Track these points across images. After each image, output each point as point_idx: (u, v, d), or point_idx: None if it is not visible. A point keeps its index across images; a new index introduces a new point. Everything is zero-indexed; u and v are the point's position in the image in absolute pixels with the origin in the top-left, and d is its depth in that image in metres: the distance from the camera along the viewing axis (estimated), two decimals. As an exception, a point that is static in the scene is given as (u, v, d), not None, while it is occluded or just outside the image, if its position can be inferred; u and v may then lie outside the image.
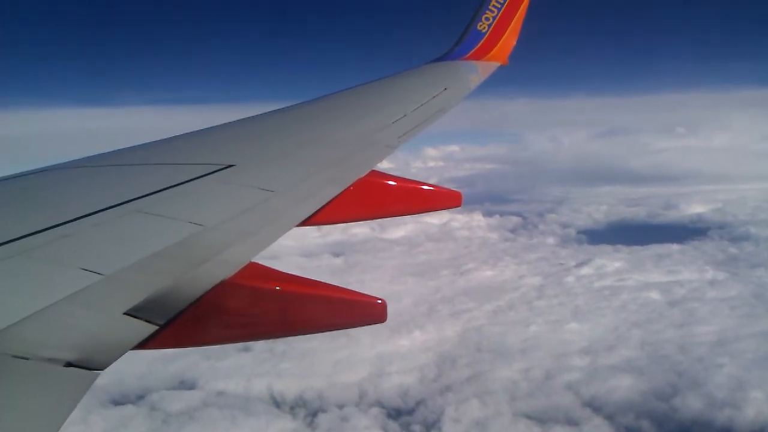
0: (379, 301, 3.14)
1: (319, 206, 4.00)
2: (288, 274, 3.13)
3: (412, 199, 4.97)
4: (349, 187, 4.43)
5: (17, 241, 2.79)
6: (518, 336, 46.59)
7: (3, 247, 2.73)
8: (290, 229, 3.62)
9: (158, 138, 5.35)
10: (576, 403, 37.72)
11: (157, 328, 2.39)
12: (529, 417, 35.71)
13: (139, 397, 39.60)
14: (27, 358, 2.01)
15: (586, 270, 61.45)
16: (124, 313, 2.39)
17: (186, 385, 41.39)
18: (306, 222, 3.86)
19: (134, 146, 5.05)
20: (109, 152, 4.82)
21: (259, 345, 45.05)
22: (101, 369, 2.09)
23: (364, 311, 3.17)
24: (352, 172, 4.66)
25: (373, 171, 4.80)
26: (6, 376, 1.93)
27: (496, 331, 47.80)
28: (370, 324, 3.17)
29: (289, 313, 3.08)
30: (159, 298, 2.52)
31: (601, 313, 50.97)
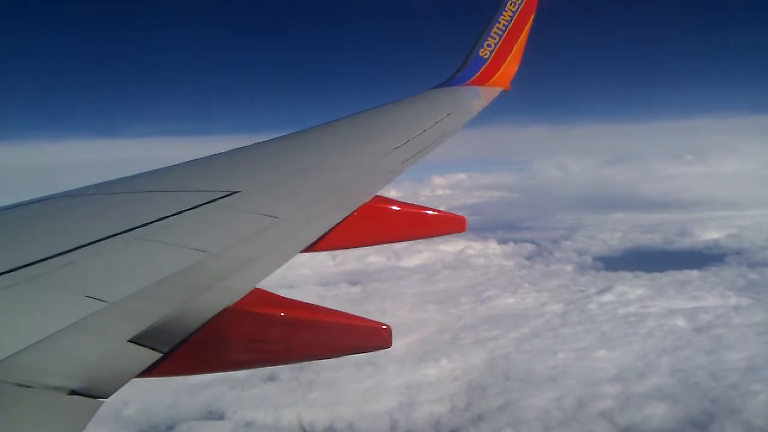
0: (384, 327, 3.15)
1: (324, 232, 3.98)
2: (292, 300, 3.11)
3: (417, 223, 4.97)
4: (354, 212, 4.43)
5: (23, 269, 2.78)
6: (546, 364, 46.16)
7: (8, 274, 2.71)
8: (295, 255, 3.59)
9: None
10: (611, 432, 37.27)
11: (161, 355, 2.37)
12: (565, 446, 35.24)
13: (169, 428, 39.32)
14: (30, 387, 1.99)
15: (608, 297, 61.13)
16: (129, 341, 2.37)
17: (215, 415, 41.03)
18: (311, 248, 3.84)
19: (139, 174, 5.02)
20: (113, 180, 4.79)
21: (286, 374, 44.80)
22: (105, 397, 2.06)
23: (369, 337, 3.18)
24: (357, 197, 4.66)
25: (378, 196, 4.80)
26: (9, 405, 1.90)
27: (523, 358, 47.42)
28: (375, 350, 3.17)
29: (295, 338, 3.07)
30: (163, 326, 2.50)
31: (629, 341, 50.54)
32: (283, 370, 44.52)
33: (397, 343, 49.96)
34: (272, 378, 44.77)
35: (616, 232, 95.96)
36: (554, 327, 54.38)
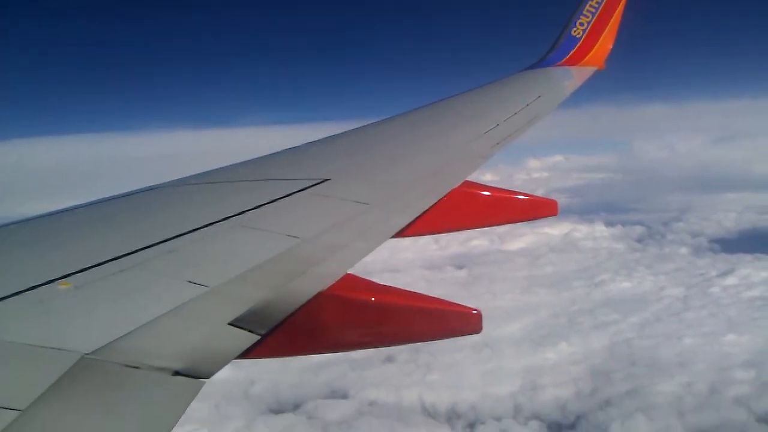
0: (474, 312, 3.11)
1: (414, 217, 4.00)
2: (383, 285, 3.15)
3: (507, 208, 4.91)
4: (443, 197, 4.41)
5: (128, 256, 2.91)
6: (672, 349, 44.57)
7: (115, 261, 2.85)
8: (385, 240, 3.62)
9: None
10: (749, 419, 35.68)
11: (259, 337, 2.46)
12: (702, 433, 34.01)
13: (296, 406, 40.40)
14: (138, 368, 2.10)
15: (730, 280, 58.35)
16: (228, 324, 2.47)
17: (338, 394, 41.88)
18: (401, 233, 3.85)
19: (235, 163, 5.17)
20: (211, 170, 4.95)
21: (402, 356, 45.18)
22: (207, 377, 2.14)
23: (460, 322, 3.16)
24: (446, 182, 4.65)
25: (467, 181, 4.76)
26: (119, 385, 2.02)
27: (647, 344, 45.96)
28: (466, 334, 3.14)
29: (386, 323, 3.09)
30: (261, 309, 2.60)
31: (758, 324, 47.95)
32: (400, 353, 44.98)
33: (512, 327, 50.03)
34: (390, 359, 45.20)
35: (729, 213, 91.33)
36: (677, 311, 52.44)
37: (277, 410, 40.00)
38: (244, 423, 37.87)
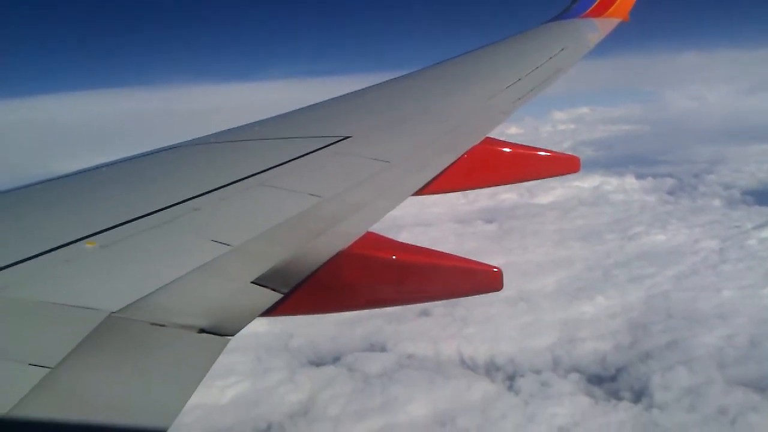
0: (495, 270, 3.10)
1: (434, 175, 4.00)
2: (403, 243, 3.16)
3: (528, 165, 4.91)
4: (464, 155, 4.41)
5: (152, 215, 2.95)
6: (711, 301, 44.38)
7: (139, 220, 2.88)
8: (406, 198, 3.62)
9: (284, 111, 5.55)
10: (792, 372, 35.57)
11: (282, 296, 2.47)
12: (744, 385, 33.98)
13: (336, 359, 40.95)
14: (163, 325, 2.14)
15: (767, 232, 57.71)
16: (252, 282, 2.50)
17: (376, 347, 42.37)
18: (422, 191, 3.85)
19: (256, 122, 5.18)
20: (232, 128, 4.97)
21: (438, 310, 45.44)
22: (232, 335, 2.16)
23: (480, 280, 3.15)
24: (467, 140, 4.65)
25: (488, 138, 4.74)
26: (145, 342, 2.05)
27: (684, 296, 45.76)
28: (487, 292, 3.12)
29: (406, 281, 3.10)
30: (283, 268, 2.64)
31: (798, 277, 47.63)
32: (435, 307, 45.18)
33: (547, 280, 50.01)
34: (425, 313, 45.45)
35: (763, 165, 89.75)
36: (713, 264, 52.00)
37: (317, 363, 40.59)
38: (286, 375, 38.50)
